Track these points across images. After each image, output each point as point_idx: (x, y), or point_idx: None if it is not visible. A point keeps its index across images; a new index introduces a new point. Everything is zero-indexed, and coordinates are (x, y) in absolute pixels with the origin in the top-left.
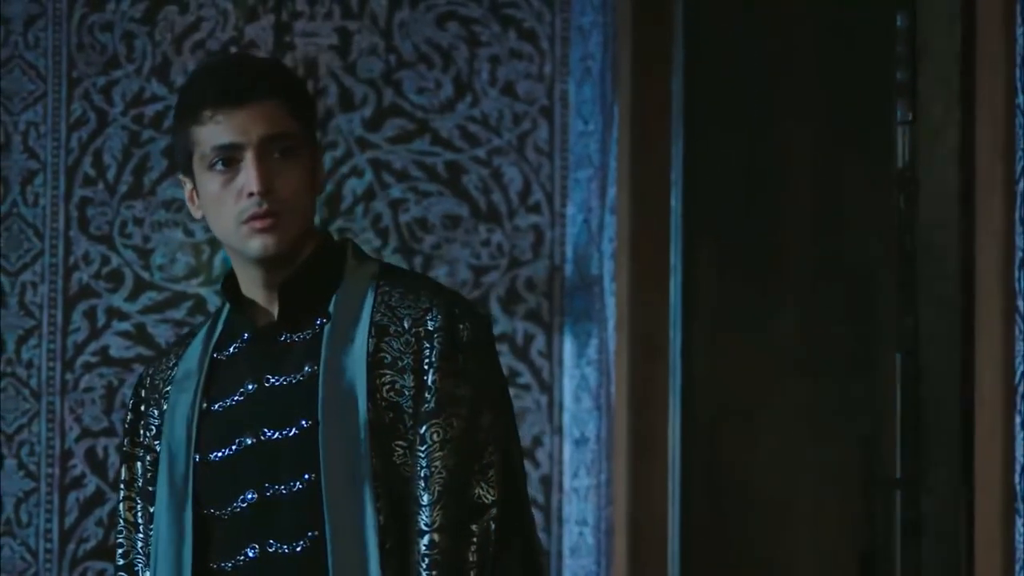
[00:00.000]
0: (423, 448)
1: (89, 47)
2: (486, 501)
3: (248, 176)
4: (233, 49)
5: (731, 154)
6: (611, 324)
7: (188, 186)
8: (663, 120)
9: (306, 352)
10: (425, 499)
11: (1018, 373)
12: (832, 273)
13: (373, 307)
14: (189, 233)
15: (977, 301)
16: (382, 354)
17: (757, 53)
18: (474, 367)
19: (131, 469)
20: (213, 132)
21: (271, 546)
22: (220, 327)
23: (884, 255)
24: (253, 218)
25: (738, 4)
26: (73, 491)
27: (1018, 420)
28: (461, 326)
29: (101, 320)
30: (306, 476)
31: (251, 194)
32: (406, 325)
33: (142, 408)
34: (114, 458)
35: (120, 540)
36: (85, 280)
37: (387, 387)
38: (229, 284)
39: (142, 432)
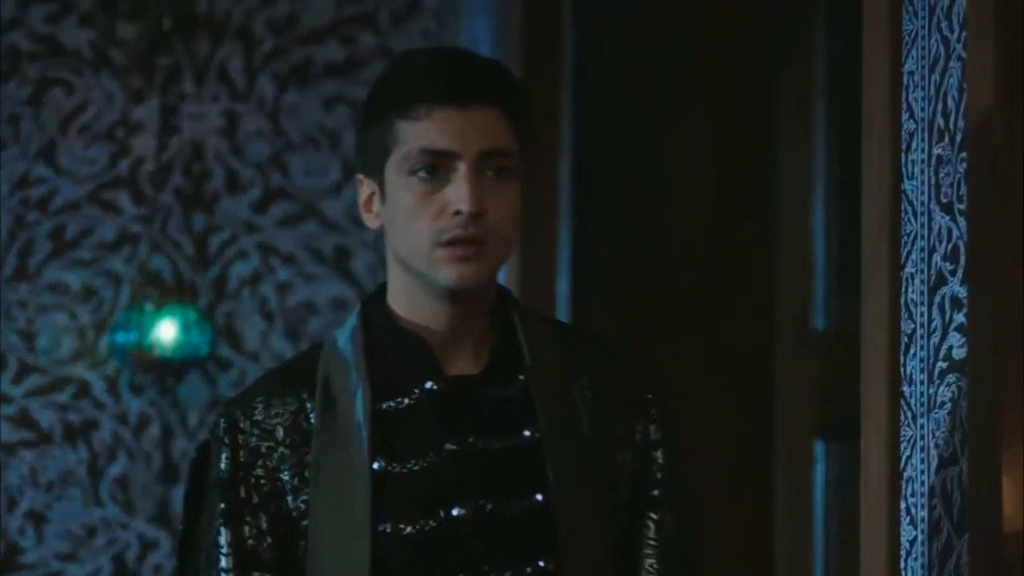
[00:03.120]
0: (658, 536)
1: None
2: None
3: (459, 192)
4: (120, 131)
5: (620, 238)
6: None
7: (368, 189)
8: (551, 203)
9: (516, 412)
10: None
11: (903, 458)
12: (723, 356)
13: (575, 367)
14: (74, 316)
15: (863, 385)
16: (603, 423)
17: (648, 132)
18: (677, 443)
19: (236, 532)
20: (425, 132)
21: None
22: (362, 365)
23: (773, 337)
24: (455, 242)
25: (629, 82)
26: None
27: (903, 505)
28: (664, 397)
29: None
30: (540, 563)
31: (457, 213)
32: (618, 393)
33: (242, 458)
34: None
35: None
36: None
37: (606, 459)
38: (383, 313)
39: (246, 489)
